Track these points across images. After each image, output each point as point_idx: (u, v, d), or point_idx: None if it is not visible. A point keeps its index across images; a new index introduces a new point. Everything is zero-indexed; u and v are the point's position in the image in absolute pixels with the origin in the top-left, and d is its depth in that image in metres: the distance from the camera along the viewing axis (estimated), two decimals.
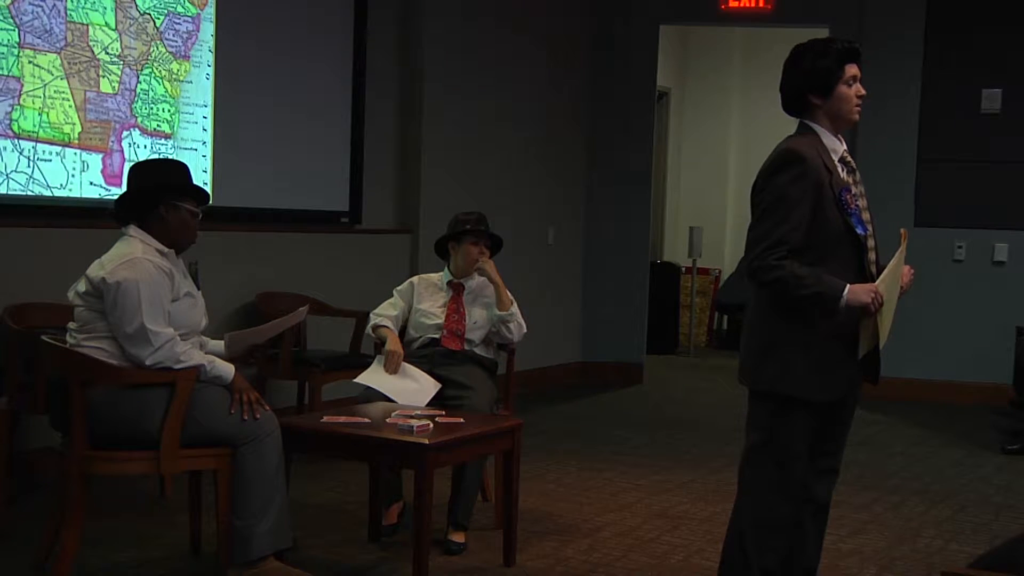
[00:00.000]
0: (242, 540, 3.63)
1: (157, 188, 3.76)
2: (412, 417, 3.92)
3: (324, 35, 6.57)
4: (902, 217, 7.80)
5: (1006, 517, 5.08)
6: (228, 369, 3.73)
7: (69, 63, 5.21)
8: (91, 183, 5.32)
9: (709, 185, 11.99)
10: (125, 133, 5.47)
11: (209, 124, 5.90)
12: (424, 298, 4.77)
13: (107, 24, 5.37)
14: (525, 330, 4.77)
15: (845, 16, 8.23)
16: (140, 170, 3.86)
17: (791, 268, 3.14)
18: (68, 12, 5.20)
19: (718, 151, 12.02)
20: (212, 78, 5.91)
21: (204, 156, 5.88)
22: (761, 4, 8.55)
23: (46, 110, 5.14)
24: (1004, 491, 5.58)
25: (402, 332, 4.74)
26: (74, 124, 5.25)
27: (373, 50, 6.83)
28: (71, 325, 3.73)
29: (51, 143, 5.16)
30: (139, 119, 5.53)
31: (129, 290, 3.57)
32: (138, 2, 5.51)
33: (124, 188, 4.08)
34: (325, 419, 3.99)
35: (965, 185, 8.17)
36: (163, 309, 3.64)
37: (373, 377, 4.46)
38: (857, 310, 3.16)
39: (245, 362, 4.16)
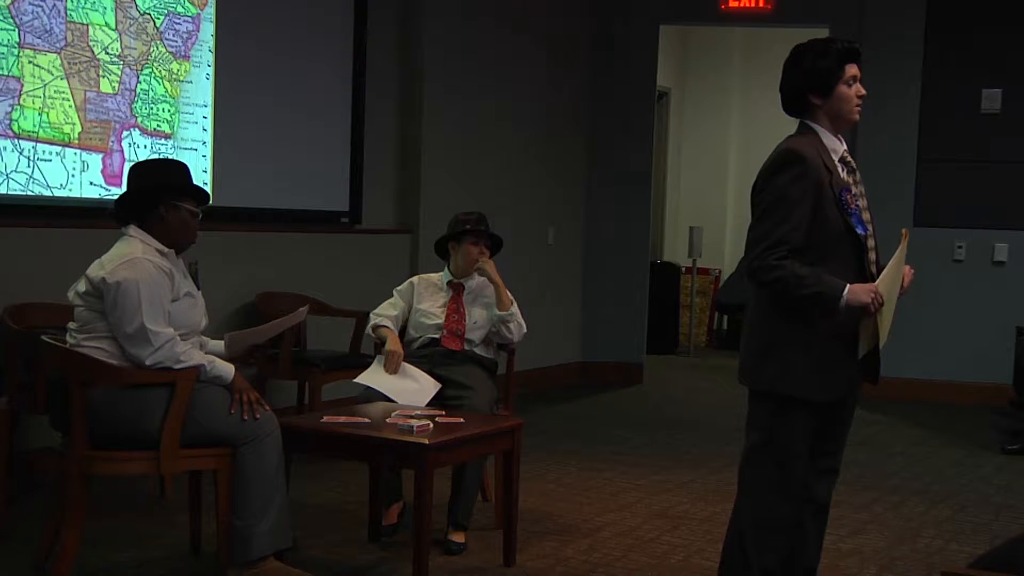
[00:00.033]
0: (242, 540, 3.63)
1: (157, 188, 3.76)
2: (412, 417, 3.92)
3: (324, 35, 6.57)
4: (902, 217, 7.80)
5: (1006, 517, 5.08)
6: (228, 369, 3.73)
7: (69, 63, 5.21)
8: (91, 183, 5.32)
9: (709, 185, 11.99)
10: (125, 133, 5.47)
11: (209, 124, 5.90)
12: (424, 298, 4.77)
13: (107, 24, 5.37)
14: (525, 330, 4.77)
15: (845, 16, 8.23)
16: (140, 170, 3.86)
17: (791, 268, 3.14)
18: (68, 12, 5.20)
19: (718, 151, 12.02)
20: (212, 78, 5.91)
21: (204, 156, 5.88)
22: (761, 4, 8.55)
23: (46, 110, 5.14)
24: (1004, 491, 5.58)
25: (402, 332, 4.74)
26: (74, 124, 5.25)
27: (373, 50, 6.83)
28: (71, 325, 3.73)
29: (51, 143, 5.16)
30: (139, 119, 5.53)
31: (129, 290, 3.57)
32: (138, 2, 5.51)
33: (124, 188, 4.08)
34: (325, 419, 3.99)
35: (965, 185, 8.17)
36: (163, 309, 3.64)
37: (373, 377, 4.46)
38: (857, 310, 3.16)
39: (245, 362, 4.16)
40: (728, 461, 5.64)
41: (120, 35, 5.42)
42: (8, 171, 5.02)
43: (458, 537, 4.29)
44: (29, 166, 5.09)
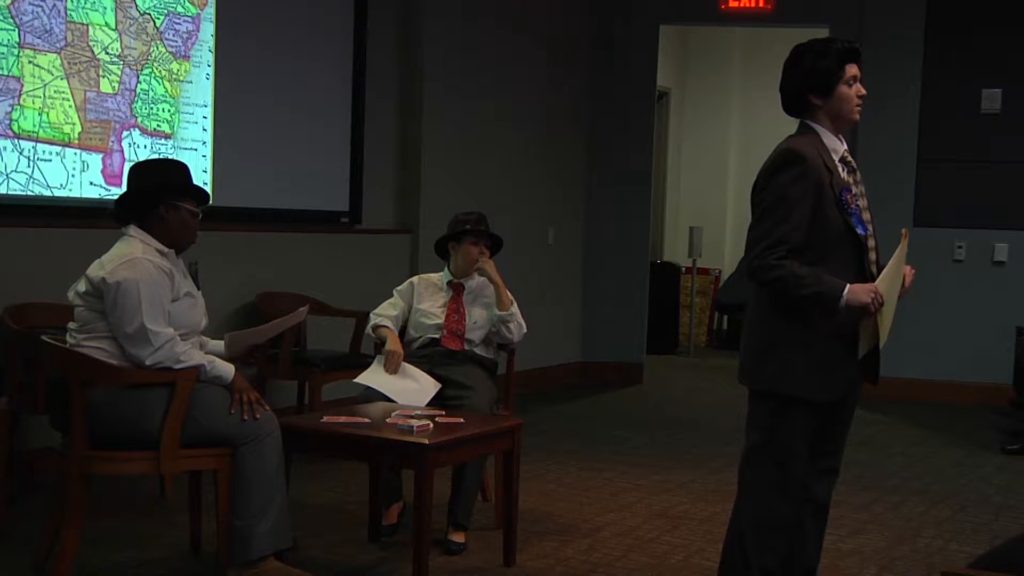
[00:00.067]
0: (242, 540, 3.63)
1: (157, 188, 3.76)
2: (412, 417, 3.92)
3: (324, 35, 6.57)
4: (902, 217, 7.80)
5: (1006, 517, 5.08)
6: (228, 369, 3.73)
7: (69, 63, 5.21)
8: (91, 183, 5.32)
9: (709, 185, 11.99)
10: (125, 133, 5.47)
11: (209, 124, 5.90)
12: (424, 298, 4.77)
13: (107, 24, 5.37)
14: (525, 330, 4.77)
15: (845, 16, 8.23)
16: (140, 170, 3.86)
17: (791, 268, 3.14)
18: (68, 12, 5.20)
19: (718, 151, 12.02)
20: (212, 78, 5.91)
21: (204, 156, 5.88)
22: (761, 4, 8.55)
23: (46, 110, 5.14)
24: (1004, 491, 5.58)
25: (402, 332, 4.74)
26: (74, 124, 5.25)
27: (373, 50, 6.83)
28: (71, 325, 3.73)
29: (51, 143, 5.16)
30: (139, 119, 5.53)
31: (129, 290, 3.57)
32: (138, 2, 5.51)
33: (124, 188, 4.08)
34: (325, 419, 3.99)
35: (965, 185, 8.17)
36: (163, 309, 3.64)
37: (373, 377, 4.46)
38: (857, 310, 3.16)
39: (245, 362, 4.16)
40: (728, 461, 5.64)
41: (120, 35, 5.42)
42: (8, 171, 5.02)
43: (458, 537, 4.29)
44: (29, 166, 5.09)
